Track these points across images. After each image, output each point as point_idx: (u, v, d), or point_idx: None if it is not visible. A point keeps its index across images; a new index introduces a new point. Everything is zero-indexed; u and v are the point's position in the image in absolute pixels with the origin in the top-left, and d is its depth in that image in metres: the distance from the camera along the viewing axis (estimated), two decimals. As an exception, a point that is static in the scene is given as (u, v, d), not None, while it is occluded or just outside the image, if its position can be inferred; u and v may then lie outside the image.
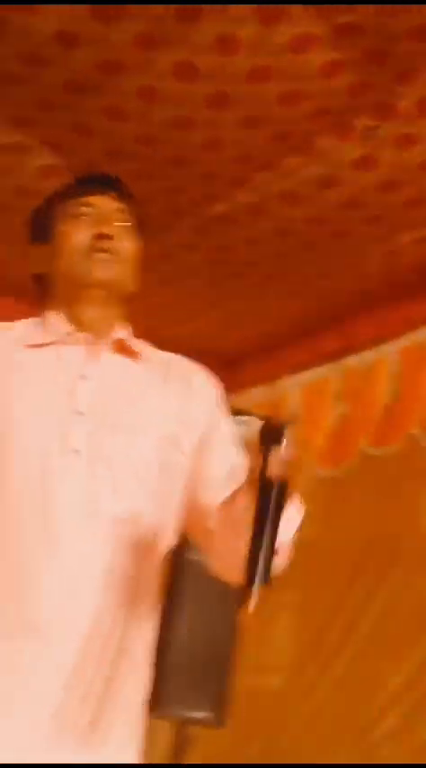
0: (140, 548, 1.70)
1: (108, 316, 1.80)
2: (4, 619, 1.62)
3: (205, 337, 4.39)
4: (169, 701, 3.47)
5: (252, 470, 1.52)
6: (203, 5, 2.42)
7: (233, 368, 4.78)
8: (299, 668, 4.14)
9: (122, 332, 1.81)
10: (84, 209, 1.80)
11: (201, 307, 4.11)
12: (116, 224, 1.78)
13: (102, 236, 1.76)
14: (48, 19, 2.52)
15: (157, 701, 3.48)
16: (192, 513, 1.77)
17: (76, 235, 1.78)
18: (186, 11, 2.45)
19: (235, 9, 2.43)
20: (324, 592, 4.12)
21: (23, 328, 1.81)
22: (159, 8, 2.44)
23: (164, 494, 1.75)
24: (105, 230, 1.76)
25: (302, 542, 4.30)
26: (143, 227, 1.86)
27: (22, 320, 1.83)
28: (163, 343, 1.90)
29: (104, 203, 1.82)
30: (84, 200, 1.82)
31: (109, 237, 1.76)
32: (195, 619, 3.54)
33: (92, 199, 1.82)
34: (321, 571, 4.13)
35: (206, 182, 3.22)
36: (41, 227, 1.86)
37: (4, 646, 1.61)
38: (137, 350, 1.81)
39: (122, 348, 1.80)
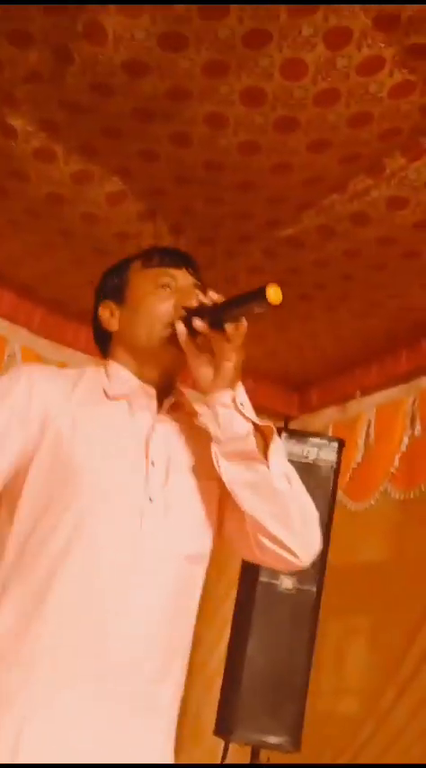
0: (197, 580, 1.82)
1: (171, 375, 1.89)
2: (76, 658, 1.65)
3: (275, 360, 4.39)
4: (244, 726, 3.47)
5: None
6: (271, 30, 2.43)
7: (304, 390, 4.78)
8: (375, 692, 4.09)
9: (178, 394, 1.90)
10: (165, 279, 1.88)
11: (271, 330, 4.11)
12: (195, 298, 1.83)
13: (185, 309, 1.81)
14: (117, 48, 2.55)
15: (233, 726, 3.48)
16: (234, 528, 1.85)
17: (160, 304, 1.85)
18: (254, 36, 2.46)
19: (302, 33, 2.43)
20: (398, 615, 4.07)
21: (94, 377, 1.88)
22: (226, 34, 2.45)
23: (208, 524, 1.85)
24: (188, 303, 1.81)
25: (375, 565, 4.26)
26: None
27: (90, 368, 1.92)
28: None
29: (184, 277, 1.90)
30: (166, 271, 1.89)
31: None
32: (269, 643, 3.53)
33: (172, 271, 1.89)
34: (394, 594, 4.09)
35: (274, 205, 3.22)
36: (116, 288, 1.93)
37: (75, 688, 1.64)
38: (188, 408, 1.91)
39: (180, 406, 1.90)
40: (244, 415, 1.75)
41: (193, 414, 1.90)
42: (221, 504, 1.85)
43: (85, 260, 3.62)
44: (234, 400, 1.75)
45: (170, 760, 1.77)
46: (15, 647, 1.64)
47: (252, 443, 1.74)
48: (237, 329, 1.72)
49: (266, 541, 1.76)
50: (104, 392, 1.83)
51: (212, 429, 1.76)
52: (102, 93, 2.75)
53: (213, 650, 4.48)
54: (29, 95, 2.82)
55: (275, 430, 1.77)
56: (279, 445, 1.76)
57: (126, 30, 2.49)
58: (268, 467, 1.74)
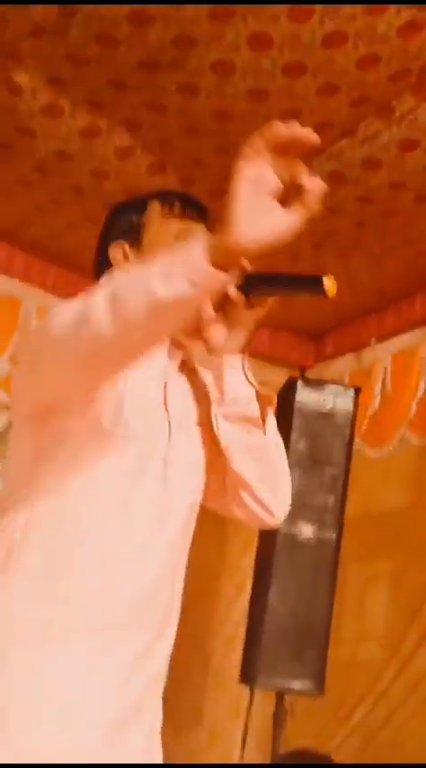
0: (193, 526, 1.85)
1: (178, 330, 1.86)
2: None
3: (290, 310, 4.37)
4: (268, 673, 3.52)
5: None
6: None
7: (319, 339, 4.77)
8: (397, 638, 4.12)
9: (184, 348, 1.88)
10: (186, 234, 1.82)
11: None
12: None
13: None
14: (119, -1, 2.53)
15: (257, 673, 3.52)
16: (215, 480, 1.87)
17: None
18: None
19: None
20: (419, 561, 4.08)
21: None
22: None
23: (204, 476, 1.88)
24: None
25: (394, 511, 4.27)
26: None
27: None
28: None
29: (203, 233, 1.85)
30: (187, 224, 1.85)
31: None
32: (290, 591, 3.56)
33: (193, 225, 1.85)
34: (414, 540, 4.10)
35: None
36: (131, 229, 1.88)
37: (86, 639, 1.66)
38: (190, 364, 1.89)
39: (187, 362, 1.89)
40: (249, 380, 1.77)
41: (193, 370, 1.90)
42: (208, 459, 1.87)
43: (97, 216, 3.55)
44: (243, 365, 1.76)
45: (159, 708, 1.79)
46: (46, 589, 1.66)
47: (254, 409, 1.76)
48: (265, 302, 1.70)
49: (248, 500, 1.82)
50: None
51: (216, 389, 1.78)
52: (107, 45, 2.73)
53: (234, 602, 4.52)
54: (33, 50, 2.80)
55: (274, 398, 1.81)
56: (272, 414, 1.80)
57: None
58: (264, 432, 1.77)
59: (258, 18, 2.56)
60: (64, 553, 1.67)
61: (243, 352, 1.77)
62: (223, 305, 1.73)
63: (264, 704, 3.82)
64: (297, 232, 1.36)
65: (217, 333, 1.72)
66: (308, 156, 3.26)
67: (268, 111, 2.94)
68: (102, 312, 1.43)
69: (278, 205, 1.35)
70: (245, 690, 3.79)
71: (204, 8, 2.53)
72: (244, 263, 1.66)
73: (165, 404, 1.79)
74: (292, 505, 3.56)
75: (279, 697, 3.60)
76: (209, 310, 1.67)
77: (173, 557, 1.77)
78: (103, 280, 1.78)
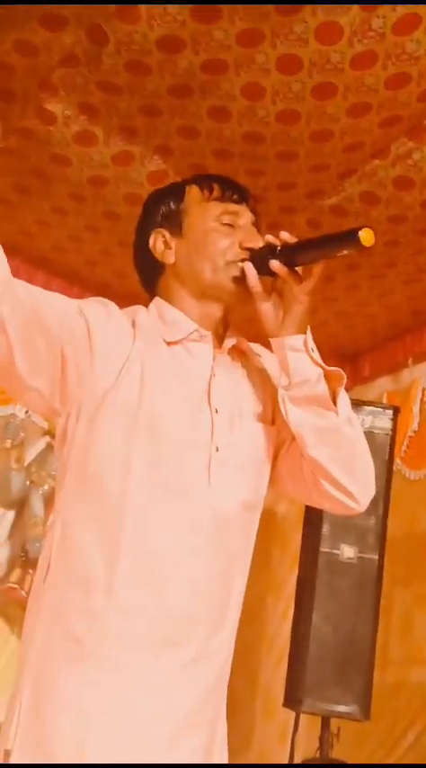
0: (253, 527, 1.82)
1: (226, 316, 1.84)
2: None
3: (325, 332, 4.37)
4: (313, 696, 3.48)
5: None
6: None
7: (355, 360, 4.75)
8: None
9: (236, 335, 1.86)
10: (228, 217, 1.81)
11: (318, 301, 4.07)
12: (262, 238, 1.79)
13: (248, 249, 1.77)
14: (150, 25, 2.56)
15: (302, 697, 3.49)
16: (293, 472, 1.83)
17: (224, 240, 1.79)
18: (287, 2, 2.45)
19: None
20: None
21: (148, 320, 1.81)
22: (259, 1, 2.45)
23: (266, 470, 1.84)
24: (253, 244, 1.77)
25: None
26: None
27: (136, 308, 1.85)
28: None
29: (246, 214, 1.83)
30: (228, 207, 1.82)
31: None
32: (334, 612, 3.53)
33: (234, 207, 1.82)
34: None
35: (316, 174, 3.21)
36: (171, 216, 1.85)
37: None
38: (245, 350, 1.87)
39: (236, 348, 1.86)
40: (314, 359, 1.72)
41: (251, 355, 1.87)
42: (276, 447, 1.84)
43: (131, 241, 3.63)
44: (305, 344, 1.71)
45: (222, 712, 1.77)
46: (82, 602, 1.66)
47: (323, 389, 1.71)
48: (311, 272, 1.69)
49: (327, 485, 1.75)
50: (162, 338, 1.78)
51: (281, 373, 1.74)
52: (138, 72, 2.76)
53: (281, 625, 4.49)
54: (66, 79, 2.84)
55: (344, 375, 1.74)
56: (344, 391, 1.73)
57: (158, 5, 2.49)
58: (336, 412, 1.71)
59: (286, 41, 2.58)
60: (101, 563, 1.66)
61: (303, 331, 1.72)
62: (274, 286, 1.73)
63: (311, 728, 3.78)
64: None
65: (272, 317, 1.72)
66: (340, 176, 3.28)
67: (299, 133, 2.96)
68: None
69: None
70: (293, 714, 3.76)
71: (232, 32, 2.55)
72: (283, 237, 1.66)
73: (209, 399, 1.75)
74: (333, 526, 3.52)
75: (325, 721, 3.57)
76: (257, 284, 1.69)
77: (222, 559, 1.72)
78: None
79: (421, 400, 4.28)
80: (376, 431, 3.69)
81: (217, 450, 1.73)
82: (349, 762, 3.61)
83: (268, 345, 1.81)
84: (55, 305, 1.71)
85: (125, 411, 1.70)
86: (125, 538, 1.65)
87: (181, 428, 1.72)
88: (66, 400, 1.71)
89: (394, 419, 3.76)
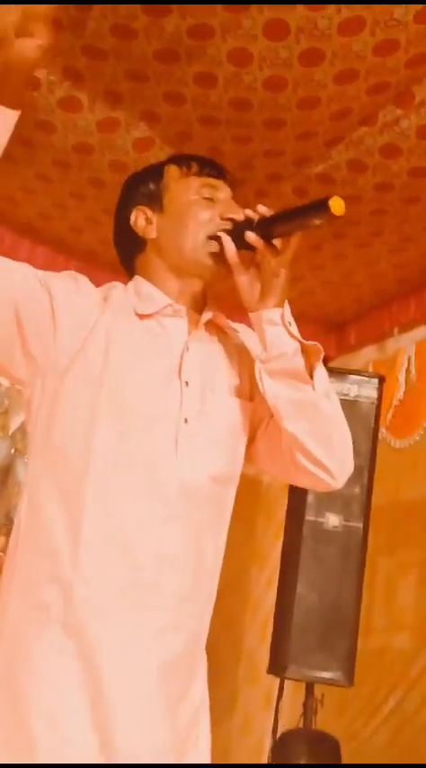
0: (227, 501, 1.83)
1: (204, 291, 1.87)
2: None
3: (311, 301, 4.36)
4: (297, 663, 3.51)
5: None
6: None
7: (341, 329, 4.75)
8: (426, 627, 4.11)
9: (213, 310, 1.87)
10: (208, 191, 1.85)
11: (304, 270, 4.08)
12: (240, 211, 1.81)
13: (230, 219, 1.79)
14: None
15: (286, 664, 3.52)
16: (271, 447, 1.84)
17: (203, 213, 1.82)
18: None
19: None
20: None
21: (123, 294, 1.84)
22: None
23: (241, 445, 1.85)
24: (233, 215, 1.79)
25: (422, 501, 4.24)
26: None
27: (113, 283, 1.88)
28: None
29: (224, 189, 1.87)
30: (207, 181, 1.86)
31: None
32: (319, 580, 3.56)
33: (213, 181, 1.87)
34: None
35: (303, 142, 3.18)
36: (151, 194, 1.88)
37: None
38: (222, 326, 1.89)
39: (214, 324, 1.88)
40: (291, 333, 1.72)
41: (229, 330, 1.89)
42: (253, 423, 1.85)
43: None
44: (282, 318, 1.72)
45: (202, 675, 1.79)
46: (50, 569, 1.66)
47: (299, 362, 1.72)
48: (288, 244, 1.70)
49: (304, 460, 1.76)
50: (134, 311, 1.80)
51: (258, 347, 1.75)
52: (123, 37, 2.73)
53: (266, 593, 4.53)
54: (50, 44, 2.80)
55: (322, 350, 1.75)
56: (321, 365, 1.75)
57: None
58: (313, 386, 1.72)
59: (273, 6, 2.55)
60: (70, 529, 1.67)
61: (281, 305, 1.73)
62: (251, 259, 1.73)
63: (295, 694, 3.82)
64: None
65: (249, 290, 1.73)
66: (327, 144, 3.25)
67: (286, 100, 2.94)
68: None
69: None
70: (277, 680, 3.79)
71: (219, -3, 2.53)
72: (260, 210, 1.68)
73: (180, 372, 1.76)
74: (318, 495, 3.55)
75: (309, 687, 3.60)
76: (235, 256, 1.70)
77: (191, 530, 1.72)
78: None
79: (407, 369, 4.30)
80: (361, 399, 3.70)
81: (186, 421, 1.73)
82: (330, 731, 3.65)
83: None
84: (14, 271, 1.72)
85: (88, 383, 1.70)
86: (88, 509, 1.65)
87: (148, 400, 1.72)
88: (31, 371, 1.72)
89: (380, 388, 3.77)
